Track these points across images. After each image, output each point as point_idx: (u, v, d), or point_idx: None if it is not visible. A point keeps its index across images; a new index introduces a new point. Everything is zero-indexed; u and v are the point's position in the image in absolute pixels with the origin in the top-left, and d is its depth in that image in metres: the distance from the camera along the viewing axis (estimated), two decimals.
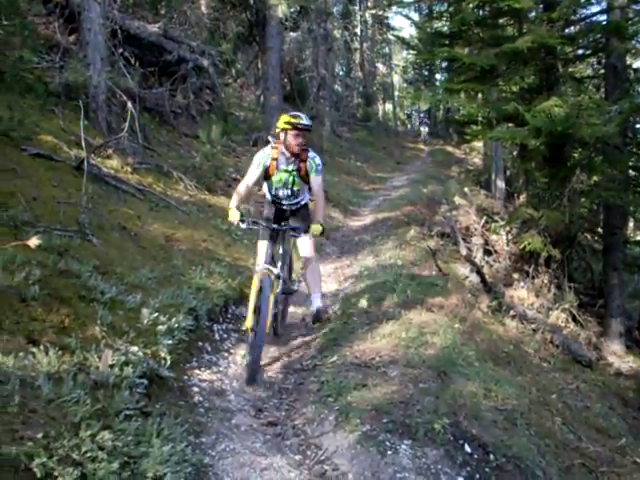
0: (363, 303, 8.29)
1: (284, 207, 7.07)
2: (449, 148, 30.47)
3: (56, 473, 3.35)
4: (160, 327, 5.59)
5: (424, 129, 34.39)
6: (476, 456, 5.24)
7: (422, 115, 34.33)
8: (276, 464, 4.83)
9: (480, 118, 15.46)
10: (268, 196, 7.06)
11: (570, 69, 15.13)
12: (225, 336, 7.24)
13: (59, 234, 6.47)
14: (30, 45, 9.97)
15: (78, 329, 5.01)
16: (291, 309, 8.33)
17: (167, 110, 13.87)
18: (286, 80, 26.18)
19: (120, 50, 12.31)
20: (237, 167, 13.49)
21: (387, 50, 42.41)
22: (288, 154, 6.60)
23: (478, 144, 24.48)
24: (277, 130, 6.57)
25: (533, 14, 13.39)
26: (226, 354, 6.82)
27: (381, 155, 29.87)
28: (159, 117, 13.80)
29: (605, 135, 10.61)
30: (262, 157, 6.67)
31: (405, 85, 40.71)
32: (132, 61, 13.05)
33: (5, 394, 3.72)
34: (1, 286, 4.78)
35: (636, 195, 12.90)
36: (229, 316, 7.75)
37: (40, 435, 3.53)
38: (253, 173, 6.67)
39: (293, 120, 6.44)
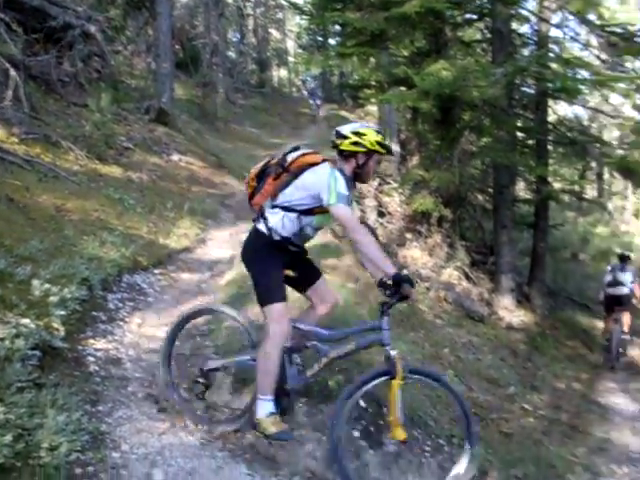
0: None
1: (296, 250, 4.87)
2: (344, 113, 30.46)
3: None
4: (52, 298, 5.46)
5: (313, 101, 32.64)
6: (371, 410, 5.36)
7: (311, 85, 31.92)
8: (175, 428, 4.83)
9: (373, 82, 15.60)
10: (283, 235, 4.62)
11: (459, 33, 15.36)
12: (120, 305, 7.12)
13: None
14: None
15: None
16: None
17: (54, 78, 13.38)
18: (178, 47, 25.76)
19: (0, 15, 11.82)
20: (129, 135, 13.19)
21: (280, 16, 41.98)
22: (353, 183, 4.70)
23: (372, 108, 24.64)
24: (350, 148, 4.52)
25: None
26: (121, 323, 6.71)
27: (276, 121, 29.72)
28: (46, 86, 13.31)
29: (492, 97, 10.89)
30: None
31: (300, 51, 40.55)
32: (14, 27, 12.54)
33: None
34: None
35: (522, 155, 13.31)
36: (123, 285, 7.61)
37: None
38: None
39: (385, 143, 4.65)
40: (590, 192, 34.48)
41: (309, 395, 5.31)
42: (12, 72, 10.40)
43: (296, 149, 4.70)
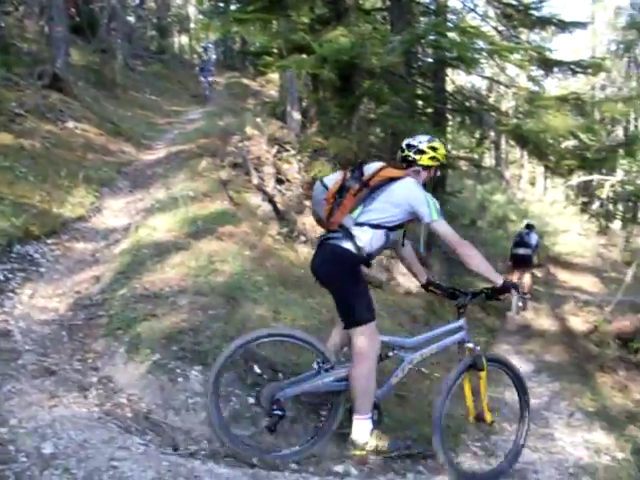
0: (153, 235, 8.19)
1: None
2: (245, 80, 30.18)
3: None
4: None
5: (204, 79, 26.49)
6: (266, 376, 5.37)
7: (205, 57, 27.45)
8: (66, 400, 4.73)
9: (274, 50, 15.49)
10: (370, 252, 4.62)
11: (360, 1, 15.37)
12: (10, 276, 6.92)
13: None
14: None
15: None
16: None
17: None
18: (73, 10, 24.83)
19: None
20: (20, 101, 12.70)
21: None
22: None
23: (274, 76, 24.46)
24: (429, 163, 4.76)
25: None
26: (11, 294, 6.53)
27: (177, 89, 29.10)
28: None
29: (390, 65, 10.95)
30: None
31: (201, 17, 39.83)
32: None
33: None
34: None
35: (420, 123, 13.45)
36: (14, 256, 7.38)
37: None
38: None
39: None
40: (489, 161, 35.37)
41: (204, 363, 5.28)
42: None
43: (365, 162, 4.75)
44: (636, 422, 6.68)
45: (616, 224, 32.64)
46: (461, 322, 4.92)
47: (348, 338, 4.68)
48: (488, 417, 4.96)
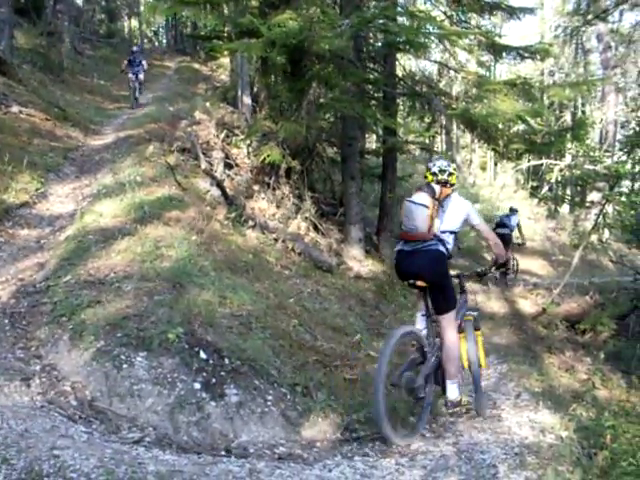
0: (99, 221, 8.10)
1: None
2: (196, 65, 29.90)
3: None
4: None
5: (134, 76, 20.19)
6: (212, 362, 5.39)
7: (132, 53, 21.06)
8: (7, 390, 4.68)
9: (225, 34, 15.34)
10: (450, 252, 6.11)
11: None
12: None
13: None
14: None
15: None
16: None
17: None
18: None
19: None
20: None
21: None
22: None
23: (225, 61, 24.29)
24: (455, 181, 6.19)
25: None
26: None
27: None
28: None
29: (338, 48, 10.88)
30: None
31: (150, 0, 39.27)
32: None
33: None
34: None
35: (370, 107, 13.45)
36: None
37: None
38: None
39: None
40: (440, 146, 35.60)
41: (149, 349, 5.26)
42: None
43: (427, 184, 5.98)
44: (581, 401, 6.80)
45: (565, 208, 33.16)
46: (464, 297, 6.35)
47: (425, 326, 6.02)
48: (483, 363, 6.29)
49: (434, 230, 5.73)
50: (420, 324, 6.08)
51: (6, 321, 5.96)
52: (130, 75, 20.46)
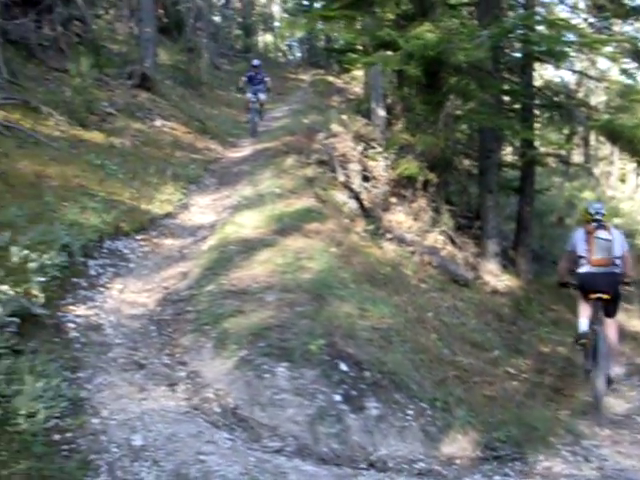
0: (240, 231, 8.26)
1: None
2: (330, 78, 30.17)
3: None
4: (31, 265, 5.40)
5: (253, 96, 16.42)
6: (352, 374, 5.37)
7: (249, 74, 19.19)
8: (155, 394, 4.82)
9: (359, 46, 15.43)
10: None
11: None
12: (101, 271, 7.09)
13: None
14: None
15: None
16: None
17: (34, 43, 13.19)
18: (161, 11, 25.28)
19: None
20: (111, 101, 13.04)
21: None
22: None
23: (359, 73, 24.37)
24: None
25: None
26: (102, 289, 6.69)
27: None
28: (26, 51, 13.10)
29: (477, 60, 10.77)
30: None
31: (285, 15, 40.03)
32: None
33: None
34: None
35: (508, 119, 13.23)
36: (105, 251, 7.57)
37: None
38: None
39: None
40: (577, 158, 34.50)
41: (291, 360, 5.30)
42: None
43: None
44: None
45: None
46: None
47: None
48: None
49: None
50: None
51: (153, 327, 6.13)
52: (249, 95, 16.78)
